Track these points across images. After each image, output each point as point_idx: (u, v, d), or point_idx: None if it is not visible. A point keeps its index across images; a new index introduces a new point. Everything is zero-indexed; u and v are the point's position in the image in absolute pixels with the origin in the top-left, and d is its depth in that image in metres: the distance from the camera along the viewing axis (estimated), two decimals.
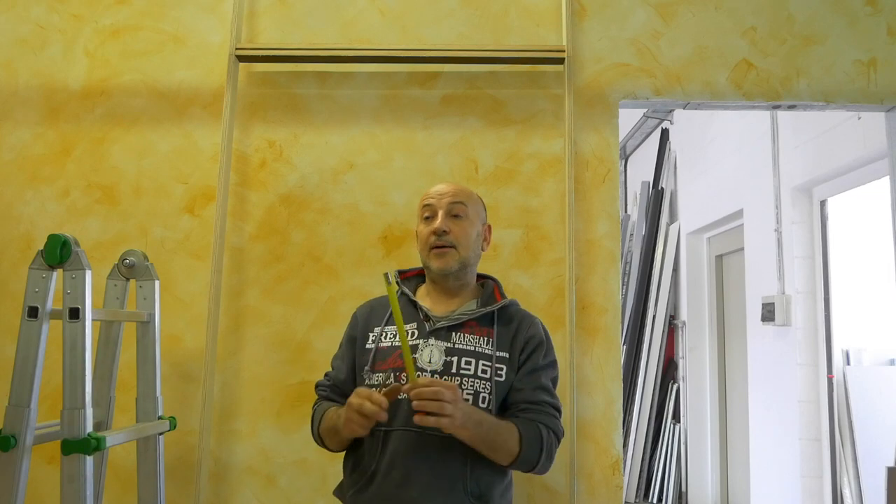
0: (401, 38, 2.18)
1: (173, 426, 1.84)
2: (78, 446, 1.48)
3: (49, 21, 2.21)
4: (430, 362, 1.44)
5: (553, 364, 1.54)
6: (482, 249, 1.59)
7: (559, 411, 1.50)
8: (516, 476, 1.97)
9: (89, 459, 1.50)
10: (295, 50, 2.11)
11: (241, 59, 2.13)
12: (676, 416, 4.63)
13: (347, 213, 2.10)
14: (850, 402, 2.87)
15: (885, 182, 2.33)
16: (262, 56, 2.12)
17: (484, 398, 1.41)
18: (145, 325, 1.83)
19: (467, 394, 1.41)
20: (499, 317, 1.52)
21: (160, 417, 1.80)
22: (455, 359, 1.43)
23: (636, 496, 4.46)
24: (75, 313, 1.53)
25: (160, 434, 1.79)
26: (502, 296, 1.56)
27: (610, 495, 1.97)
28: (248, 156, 2.14)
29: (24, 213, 2.12)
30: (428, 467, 1.37)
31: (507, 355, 1.47)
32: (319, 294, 2.07)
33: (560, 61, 2.10)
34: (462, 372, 1.42)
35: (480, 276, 1.63)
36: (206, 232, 2.09)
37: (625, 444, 4.56)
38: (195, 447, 1.97)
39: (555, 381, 1.55)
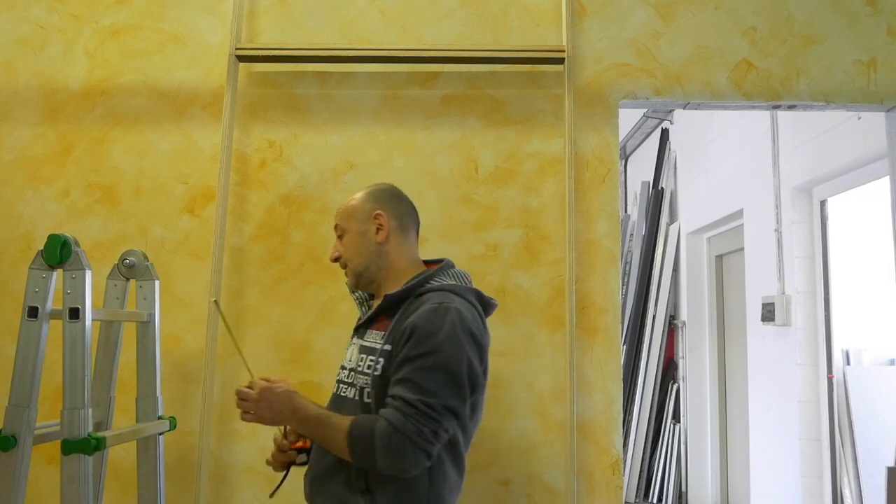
0: (401, 38, 2.18)
1: (173, 426, 1.84)
2: (78, 446, 1.48)
3: (49, 21, 2.21)
4: (349, 360, 1.49)
5: (430, 354, 1.30)
6: (379, 242, 1.48)
7: (415, 406, 1.27)
8: (516, 475, 1.98)
9: (89, 459, 1.50)
10: (295, 50, 2.11)
11: (241, 59, 2.13)
12: (676, 416, 4.63)
13: None
14: (850, 402, 2.87)
15: (885, 182, 2.33)
16: (262, 56, 2.12)
17: (368, 393, 1.38)
18: (145, 325, 1.83)
19: (355, 389, 1.42)
20: (408, 306, 1.41)
21: (160, 417, 1.80)
22: (361, 355, 1.45)
23: (636, 496, 4.46)
24: (75, 313, 1.53)
25: (160, 434, 1.79)
26: (416, 284, 1.44)
27: (610, 495, 1.97)
28: (248, 156, 2.14)
29: (24, 213, 2.12)
30: (322, 458, 1.42)
31: (391, 347, 1.37)
32: (319, 294, 2.07)
33: (560, 61, 2.10)
34: (357, 368, 1.44)
35: (432, 263, 1.55)
36: (206, 232, 2.09)
37: (625, 444, 4.56)
38: (195, 447, 1.97)
39: (446, 371, 1.30)
